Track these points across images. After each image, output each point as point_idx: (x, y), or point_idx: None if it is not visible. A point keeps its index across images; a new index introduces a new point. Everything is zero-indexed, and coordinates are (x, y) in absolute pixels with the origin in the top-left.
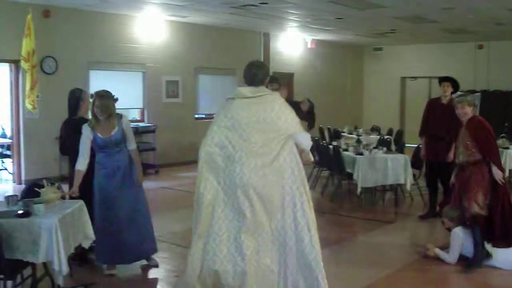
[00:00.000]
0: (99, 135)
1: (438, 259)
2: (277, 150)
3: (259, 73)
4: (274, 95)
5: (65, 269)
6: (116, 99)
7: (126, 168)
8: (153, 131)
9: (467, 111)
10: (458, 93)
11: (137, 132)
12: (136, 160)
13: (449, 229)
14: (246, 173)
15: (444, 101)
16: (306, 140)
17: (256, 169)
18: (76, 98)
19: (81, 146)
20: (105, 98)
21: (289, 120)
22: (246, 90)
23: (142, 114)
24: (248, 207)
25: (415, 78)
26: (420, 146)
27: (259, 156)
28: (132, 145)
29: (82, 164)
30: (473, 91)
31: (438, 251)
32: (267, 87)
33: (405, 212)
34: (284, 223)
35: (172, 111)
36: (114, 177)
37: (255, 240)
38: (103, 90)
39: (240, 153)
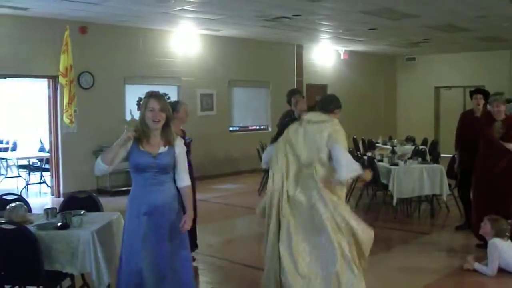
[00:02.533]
0: (140, 147)
1: (476, 271)
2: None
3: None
4: (333, 121)
5: (106, 279)
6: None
7: (166, 211)
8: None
9: (501, 109)
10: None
11: None
12: (188, 201)
13: (480, 237)
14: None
15: (478, 113)
16: (341, 155)
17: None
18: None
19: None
20: (163, 100)
21: (333, 135)
22: (311, 116)
23: None
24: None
25: (449, 87)
26: (455, 156)
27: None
28: (184, 180)
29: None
30: (508, 100)
31: (477, 265)
32: (291, 99)
33: (441, 223)
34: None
35: (207, 124)
36: (140, 221)
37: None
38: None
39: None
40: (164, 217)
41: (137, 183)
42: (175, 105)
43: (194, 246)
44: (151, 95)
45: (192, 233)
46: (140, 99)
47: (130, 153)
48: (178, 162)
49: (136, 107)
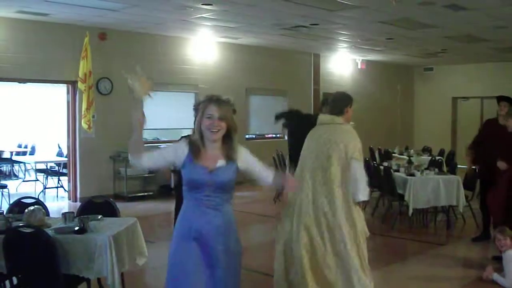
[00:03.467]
0: (194, 160)
1: (494, 282)
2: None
3: (335, 105)
4: (344, 125)
5: (118, 285)
6: (235, 111)
7: (220, 235)
8: None
9: None
10: None
11: None
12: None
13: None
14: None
15: (502, 121)
16: (355, 170)
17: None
18: None
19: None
20: (225, 106)
21: (349, 147)
22: (323, 118)
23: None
24: None
25: (467, 98)
26: (473, 167)
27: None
28: (269, 176)
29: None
30: None
31: (496, 276)
32: (321, 110)
33: (457, 234)
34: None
35: None
36: (189, 245)
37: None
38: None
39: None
40: (219, 242)
41: (189, 201)
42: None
43: None
44: (210, 99)
45: None
46: (198, 103)
47: (183, 165)
48: (252, 167)
49: (193, 112)
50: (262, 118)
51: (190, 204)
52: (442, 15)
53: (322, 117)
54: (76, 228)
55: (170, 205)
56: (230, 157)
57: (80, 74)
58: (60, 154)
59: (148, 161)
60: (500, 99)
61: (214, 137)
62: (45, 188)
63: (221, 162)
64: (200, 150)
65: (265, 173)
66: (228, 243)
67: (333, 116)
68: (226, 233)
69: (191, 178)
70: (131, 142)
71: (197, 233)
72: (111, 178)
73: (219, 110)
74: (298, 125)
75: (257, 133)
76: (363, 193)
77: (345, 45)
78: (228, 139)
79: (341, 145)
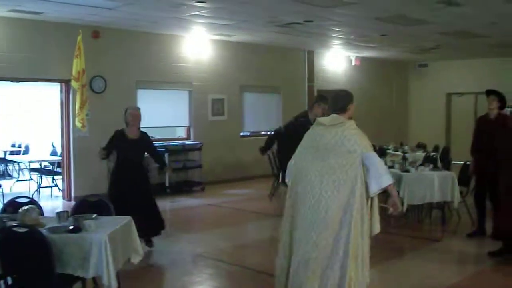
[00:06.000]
0: None
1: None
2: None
3: (337, 103)
4: (347, 123)
5: (114, 284)
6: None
7: None
8: (199, 149)
9: None
10: (508, 109)
11: (183, 149)
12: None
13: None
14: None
15: (492, 116)
16: (373, 159)
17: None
18: None
19: None
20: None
21: (358, 141)
22: (324, 119)
23: (188, 132)
24: None
25: (461, 94)
26: (468, 163)
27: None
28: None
29: None
30: None
31: None
32: (313, 106)
33: (452, 230)
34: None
35: (218, 129)
36: None
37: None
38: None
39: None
40: None
41: None
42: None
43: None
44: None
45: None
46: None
47: None
48: None
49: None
50: (257, 115)
51: None
52: (436, 11)
53: (324, 120)
54: (71, 227)
55: (162, 203)
56: None
57: (74, 72)
58: (54, 153)
59: None
60: (489, 93)
61: None
62: (39, 187)
63: None
64: None
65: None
66: None
67: (336, 115)
68: None
69: None
70: None
71: None
72: (105, 177)
73: None
74: (284, 134)
75: (252, 130)
76: (387, 176)
77: (339, 41)
78: None
79: (353, 143)
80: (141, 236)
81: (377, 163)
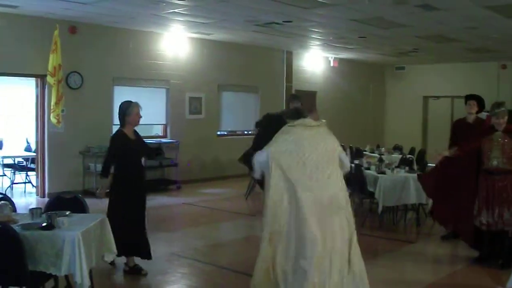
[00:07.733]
0: None
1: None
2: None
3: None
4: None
5: (86, 282)
6: None
7: None
8: (176, 147)
9: (505, 121)
10: (483, 113)
11: (160, 148)
12: None
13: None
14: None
15: (470, 120)
16: (347, 159)
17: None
18: None
19: None
20: None
21: (336, 143)
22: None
23: (165, 130)
24: None
25: (437, 97)
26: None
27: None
28: None
29: None
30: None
31: None
32: (289, 105)
33: (427, 232)
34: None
35: (195, 127)
36: None
37: None
38: None
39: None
40: None
41: None
42: (126, 108)
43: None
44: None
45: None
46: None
47: None
48: None
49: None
50: (234, 114)
51: None
52: (414, 15)
53: (309, 121)
54: (44, 224)
55: None
56: None
57: (50, 67)
58: (28, 149)
59: None
60: (468, 97)
61: None
62: (12, 183)
63: None
64: None
65: None
66: None
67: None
68: None
69: None
70: None
71: None
72: (81, 173)
73: None
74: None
75: (229, 129)
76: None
77: (318, 42)
78: None
79: (332, 144)
80: (130, 254)
81: (347, 162)
